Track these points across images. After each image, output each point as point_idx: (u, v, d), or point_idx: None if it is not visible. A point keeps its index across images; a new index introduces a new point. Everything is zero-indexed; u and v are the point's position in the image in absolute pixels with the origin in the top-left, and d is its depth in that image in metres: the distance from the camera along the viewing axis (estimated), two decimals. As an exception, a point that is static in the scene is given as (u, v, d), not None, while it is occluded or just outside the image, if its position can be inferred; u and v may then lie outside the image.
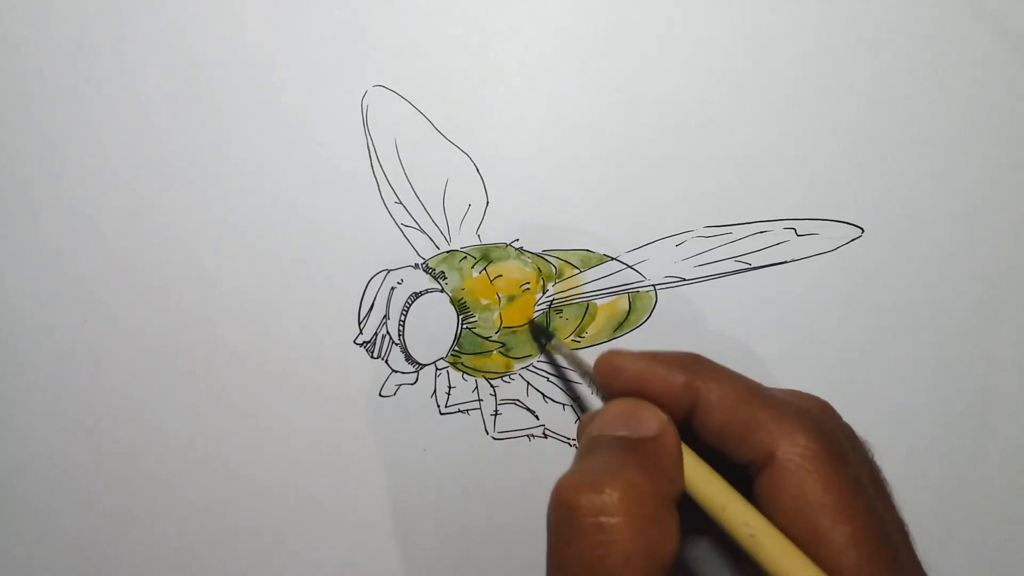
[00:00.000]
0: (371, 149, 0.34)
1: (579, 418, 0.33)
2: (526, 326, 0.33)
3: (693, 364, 0.24)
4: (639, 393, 0.24)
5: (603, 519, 0.20)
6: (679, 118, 0.34)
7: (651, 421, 0.23)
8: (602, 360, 0.26)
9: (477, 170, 0.34)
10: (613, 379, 0.25)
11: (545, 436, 0.34)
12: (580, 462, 0.23)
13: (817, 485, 0.21)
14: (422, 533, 0.33)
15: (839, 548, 0.21)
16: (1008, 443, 0.33)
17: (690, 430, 0.24)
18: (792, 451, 0.22)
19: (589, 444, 0.24)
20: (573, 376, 0.34)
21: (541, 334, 0.33)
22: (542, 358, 0.34)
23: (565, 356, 0.31)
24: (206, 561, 0.33)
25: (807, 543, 0.21)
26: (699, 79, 0.34)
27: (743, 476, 0.23)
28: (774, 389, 0.25)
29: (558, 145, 0.34)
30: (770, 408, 0.23)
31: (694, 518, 0.23)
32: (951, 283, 0.33)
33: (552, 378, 0.34)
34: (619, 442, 0.23)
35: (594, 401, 0.34)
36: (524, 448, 0.33)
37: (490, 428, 0.33)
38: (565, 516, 0.21)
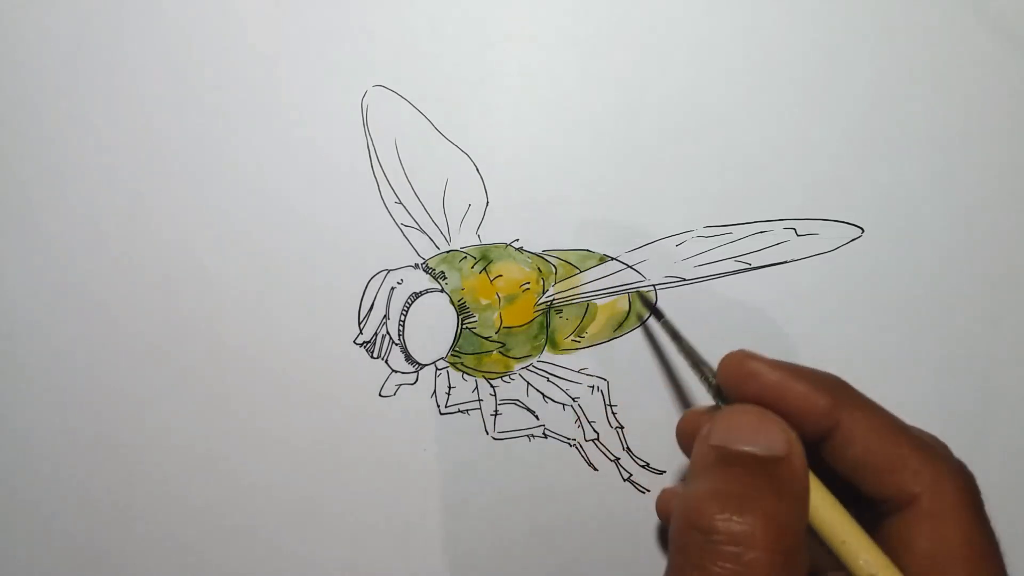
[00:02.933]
0: (371, 149, 0.34)
1: (578, 418, 0.33)
2: (526, 326, 0.33)
3: (839, 388, 0.23)
4: (771, 405, 0.23)
5: (742, 551, 0.19)
6: (679, 118, 0.34)
7: (781, 439, 0.22)
8: (732, 360, 0.24)
9: (477, 170, 0.34)
10: (744, 383, 0.24)
11: (545, 436, 0.34)
12: (711, 477, 0.22)
13: (960, 535, 0.21)
14: (422, 533, 0.33)
15: None
16: (1008, 443, 0.33)
17: (814, 455, 0.23)
18: (939, 498, 0.21)
19: (713, 456, 0.22)
20: (574, 377, 0.34)
21: (653, 312, 0.32)
22: (542, 358, 0.34)
23: (676, 340, 0.29)
24: (206, 561, 0.33)
25: None
26: (699, 79, 0.34)
27: (865, 512, 0.22)
28: (915, 428, 0.24)
29: (558, 145, 0.34)
30: (918, 450, 0.22)
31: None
32: (951, 283, 0.33)
33: (552, 378, 0.34)
34: (751, 460, 0.21)
35: (594, 403, 0.34)
36: (524, 448, 0.33)
37: (490, 428, 0.33)
38: (700, 539, 0.20)
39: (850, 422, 0.22)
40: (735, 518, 0.20)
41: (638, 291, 0.32)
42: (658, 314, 0.31)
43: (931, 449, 0.22)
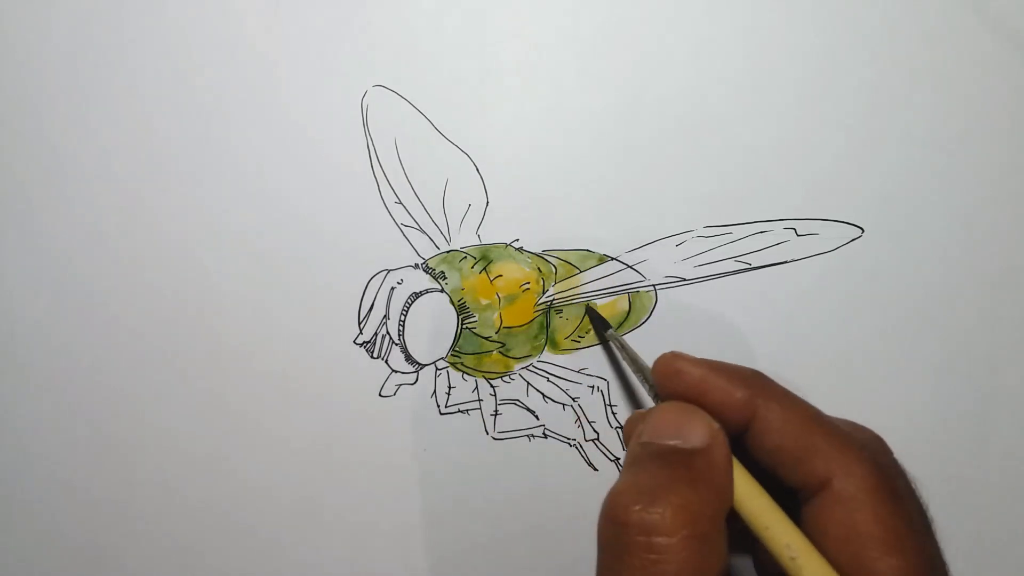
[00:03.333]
0: (371, 149, 0.34)
1: (578, 418, 0.33)
2: (526, 326, 0.33)
3: (755, 380, 0.24)
4: (696, 400, 0.24)
5: (654, 539, 0.20)
6: (679, 118, 0.34)
7: (703, 431, 0.23)
8: (662, 360, 0.25)
9: (477, 170, 0.34)
10: (671, 381, 0.25)
11: (545, 436, 0.34)
12: (631, 473, 0.23)
13: (870, 517, 0.21)
14: (422, 533, 0.33)
15: None
16: (1008, 443, 0.33)
17: (740, 446, 0.24)
18: (849, 482, 0.22)
19: (640, 452, 0.23)
20: (574, 377, 0.34)
21: (599, 323, 0.33)
22: (542, 358, 0.34)
23: (621, 349, 0.31)
24: (206, 561, 0.33)
25: (851, 573, 0.21)
26: (699, 79, 0.34)
27: (790, 499, 0.23)
28: (832, 417, 0.25)
29: (558, 145, 0.34)
30: (830, 436, 0.23)
31: (735, 533, 0.23)
32: (951, 283, 0.33)
33: (552, 378, 0.34)
34: (671, 453, 0.23)
35: (594, 403, 0.34)
36: (524, 448, 0.33)
37: (490, 428, 0.33)
38: (616, 532, 0.21)
39: (766, 412, 0.23)
40: (649, 509, 0.21)
41: (588, 305, 0.33)
42: (605, 326, 0.32)
43: (843, 436, 0.23)
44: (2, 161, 0.34)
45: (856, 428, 0.25)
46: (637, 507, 0.21)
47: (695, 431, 0.23)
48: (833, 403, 0.33)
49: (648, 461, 0.23)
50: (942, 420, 0.33)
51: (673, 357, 0.25)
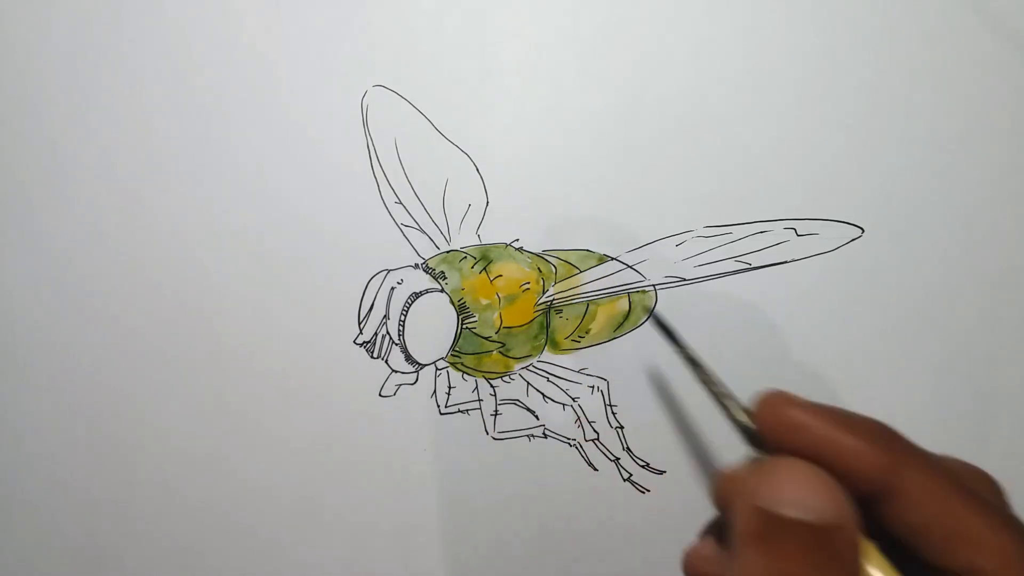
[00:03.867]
0: (371, 149, 0.34)
1: (578, 418, 0.33)
2: (526, 326, 0.33)
3: (889, 440, 0.21)
4: (819, 459, 0.20)
5: None
6: (679, 118, 0.34)
7: (833, 503, 0.19)
8: (771, 404, 0.22)
9: (477, 170, 0.34)
10: (788, 435, 0.21)
11: (545, 436, 0.34)
12: (762, 554, 0.19)
13: None
14: (422, 533, 0.33)
15: None
16: (1008, 443, 0.33)
17: (869, 512, 0.21)
18: (1007, 572, 0.19)
19: (763, 524, 0.20)
20: (574, 377, 0.34)
21: (668, 336, 0.29)
22: (542, 358, 0.34)
23: (700, 371, 0.26)
24: (206, 561, 0.33)
25: None
26: (699, 79, 0.34)
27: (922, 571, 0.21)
28: (972, 475, 0.22)
29: (558, 145, 0.34)
30: (979, 515, 0.20)
31: None
32: (951, 283, 0.33)
33: (552, 378, 0.34)
34: (803, 531, 0.19)
35: (594, 403, 0.34)
36: (524, 448, 0.33)
37: (490, 428, 0.33)
38: None
39: (906, 484, 0.20)
40: None
41: (653, 312, 0.31)
42: (693, 363, 0.27)
43: (995, 514, 0.20)
44: (2, 161, 0.34)
45: (1004, 507, 0.22)
46: None
47: (827, 501, 0.19)
48: (833, 403, 0.33)
49: (778, 539, 0.19)
50: (942, 420, 0.33)
51: (783, 402, 0.21)
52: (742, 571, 0.19)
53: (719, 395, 0.24)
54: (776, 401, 0.21)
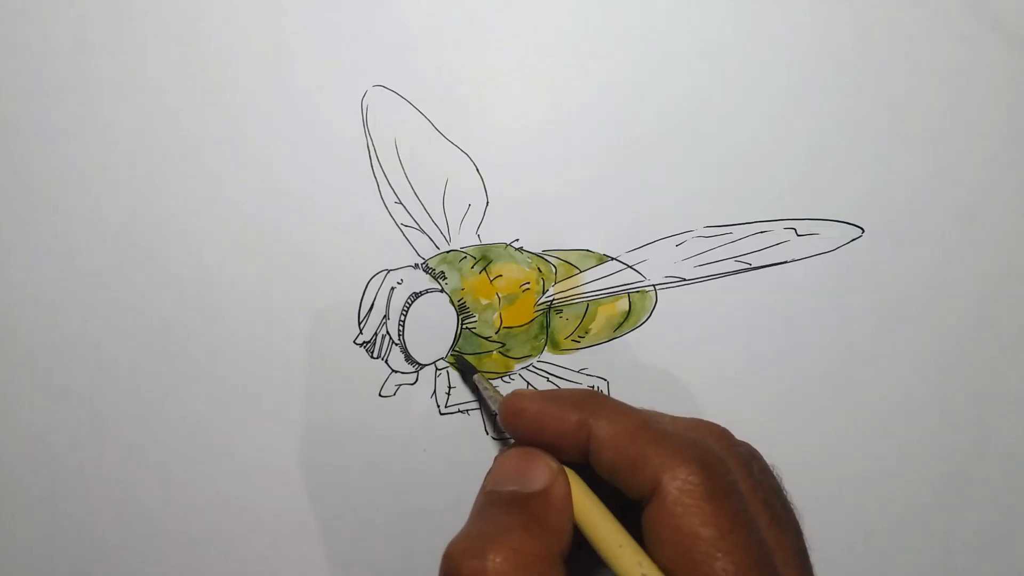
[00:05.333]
0: (371, 149, 0.34)
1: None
2: (526, 326, 0.33)
3: (587, 401, 0.24)
4: (538, 435, 0.24)
5: None
6: (679, 118, 0.34)
7: (541, 473, 0.23)
8: (506, 401, 0.26)
9: (477, 170, 0.34)
10: (516, 420, 0.25)
11: (545, 436, 0.34)
12: (471, 523, 0.23)
13: (695, 518, 0.21)
14: (422, 533, 0.33)
15: None
16: (1008, 443, 0.33)
17: (590, 468, 0.24)
18: (672, 485, 0.21)
19: (483, 501, 0.24)
20: (574, 377, 0.34)
21: (465, 368, 0.33)
22: (542, 358, 0.34)
23: (486, 391, 0.31)
24: (205, 561, 0.33)
25: None
26: (699, 79, 0.34)
27: (637, 513, 0.23)
28: (668, 419, 0.25)
29: (558, 145, 0.34)
30: (656, 442, 0.22)
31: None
32: (951, 283, 0.33)
33: (552, 378, 0.34)
34: (509, 499, 0.23)
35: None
36: (524, 448, 0.33)
37: (490, 428, 0.33)
38: None
39: (597, 430, 0.23)
40: (480, 560, 0.21)
41: (454, 353, 0.33)
42: (471, 370, 0.32)
43: (671, 438, 0.23)
44: (2, 160, 0.34)
45: (694, 426, 0.25)
46: (470, 557, 0.21)
47: (535, 474, 0.23)
48: (833, 403, 0.33)
49: (487, 509, 0.23)
50: (942, 420, 0.33)
51: (515, 396, 0.25)
52: (451, 540, 0.22)
53: (483, 400, 0.29)
54: (509, 397, 0.26)
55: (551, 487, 0.23)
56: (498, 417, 0.27)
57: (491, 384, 0.31)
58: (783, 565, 0.22)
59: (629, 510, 0.23)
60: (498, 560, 0.21)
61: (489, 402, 0.30)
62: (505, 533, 0.22)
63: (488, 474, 0.25)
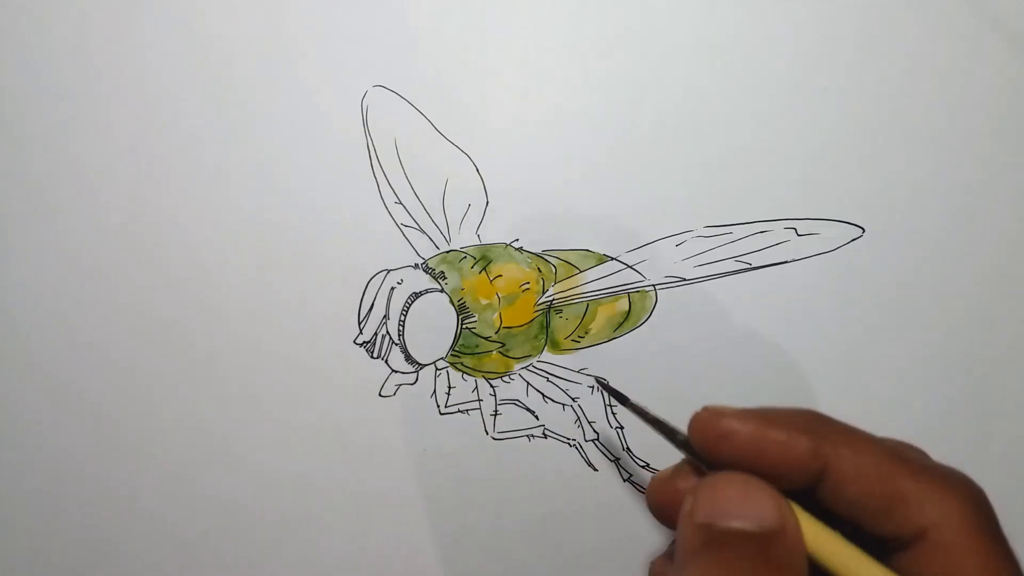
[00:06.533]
0: (371, 149, 0.34)
1: (578, 418, 0.33)
2: (526, 326, 0.33)
3: (816, 425, 0.21)
4: (752, 463, 0.21)
5: None
6: (679, 118, 0.34)
7: (771, 509, 0.20)
8: (702, 420, 0.22)
9: (477, 170, 0.34)
10: (720, 445, 0.21)
11: (545, 436, 0.34)
12: (701, 565, 0.20)
13: (974, 565, 0.19)
14: (422, 533, 0.33)
15: None
16: (1008, 443, 0.33)
17: (812, 497, 0.21)
18: (948, 528, 0.20)
19: (704, 538, 0.20)
20: (574, 377, 0.34)
21: (616, 398, 0.29)
22: (542, 358, 0.34)
23: (644, 417, 0.27)
24: (206, 560, 0.33)
25: None
26: (699, 79, 0.34)
27: (876, 550, 0.21)
28: (911, 448, 0.23)
29: (558, 145, 0.34)
30: (916, 480, 0.20)
31: None
32: (951, 283, 0.33)
33: (552, 378, 0.34)
34: (742, 539, 0.20)
35: (594, 403, 0.34)
36: (524, 448, 0.33)
37: (490, 428, 0.33)
38: None
39: (839, 463, 0.21)
40: None
41: (601, 382, 0.32)
42: (623, 399, 0.28)
43: (932, 475, 0.21)
44: (2, 161, 0.34)
45: (930, 460, 0.23)
46: None
47: (765, 509, 0.20)
48: (833, 403, 0.33)
49: (717, 550, 0.20)
50: (942, 420, 0.33)
51: (714, 415, 0.22)
52: None
53: (656, 420, 0.25)
54: (706, 416, 0.22)
55: (786, 527, 0.20)
56: (684, 438, 0.23)
57: (650, 412, 0.26)
58: None
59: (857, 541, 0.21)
60: None
61: (656, 425, 0.25)
62: None
63: (694, 502, 0.21)
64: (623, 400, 0.28)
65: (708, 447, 0.22)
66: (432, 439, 0.33)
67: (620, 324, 0.34)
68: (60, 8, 0.34)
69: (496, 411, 0.33)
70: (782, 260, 0.33)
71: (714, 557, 0.20)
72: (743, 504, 0.20)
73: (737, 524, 0.20)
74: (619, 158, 0.34)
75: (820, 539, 0.20)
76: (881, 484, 0.20)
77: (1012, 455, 0.33)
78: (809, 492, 0.21)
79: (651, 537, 0.33)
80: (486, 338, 0.33)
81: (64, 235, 0.34)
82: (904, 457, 0.21)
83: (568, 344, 0.34)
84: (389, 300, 0.33)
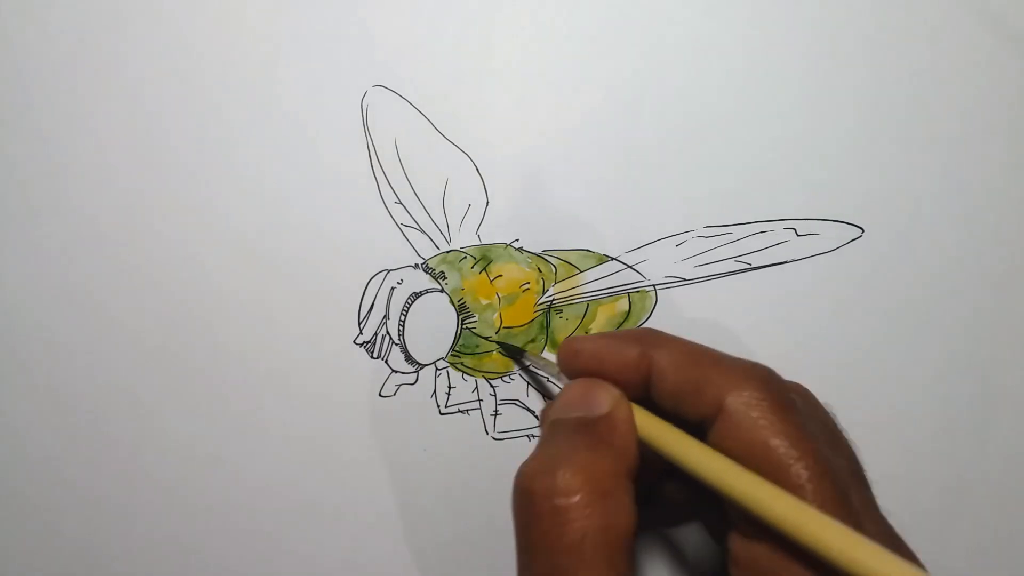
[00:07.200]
0: (371, 149, 0.34)
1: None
2: (526, 326, 0.33)
3: (645, 335, 0.26)
4: (598, 371, 0.26)
5: (558, 500, 0.21)
6: (679, 118, 0.34)
7: (604, 399, 0.25)
8: (563, 345, 0.27)
9: (477, 170, 0.34)
10: (573, 361, 0.26)
11: (545, 436, 0.34)
12: (539, 448, 0.24)
13: (764, 431, 0.22)
14: (422, 533, 0.33)
15: (789, 488, 0.21)
16: (1008, 443, 0.33)
17: (651, 399, 0.25)
18: (739, 400, 0.22)
19: (549, 429, 0.25)
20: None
21: (513, 353, 0.33)
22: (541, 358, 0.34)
23: (536, 364, 0.32)
24: (205, 561, 0.33)
25: None
26: (699, 79, 0.34)
27: (697, 433, 0.24)
28: (719, 352, 0.25)
29: (558, 145, 0.34)
30: (718, 365, 0.24)
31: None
32: (951, 283, 0.33)
33: (552, 378, 0.34)
34: (575, 423, 0.24)
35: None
36: (524, 448, 0.33)
37: (490, 428, 0.33)
38: (524, 500, 0.22)
39: (659, 358, 0.25)
40: (550, 477, 0.22)
41: (500, 343, 0.33)
42: (519, 352, 0.33)
43: (733, 362, 0.24)
44: (2, 161, 0.34)
45: (741, 359, 0.26)
46: (541, 475, 0.22)
47: (598, 400, 0.24)
48: (833, 403, 0.33)
49: (555, 435, 0.24)
50: (942, 420, 0.33)
51: (571, 340, 0.27)
52: (525, 462, 0.23)
53: (544, 362, 0.30)
54: (566, 342, 0.27)
55: (615, 410, 0.24)
56: (557, 363, 0.27)
57: (541, 357, 0.32)
58: (847, 476, 0.23)
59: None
60: (567, 476, 0.22)
61: (542, 372, 0.31)
62: (573, 453, 0.23)
63: (551, 406, 0.26)
64: (519, 354, 0.33)
65: (566, 366, 0.27)
66: (432, 439, 0.33)
67: (620, 324, 0.34)
68: (59, 8, 0.34)
69: (496, 411, 0.34)
70: (782, 260, 0.33)
71: (552, 438, 0.24)
72: (582, 399, 0.25)
73: (575, 413, 0.25)
74: (619, 158, 0.34)
75: (649, 425, 0.24)
76: (688, 371, 0.24)
77: (1012, 455, 0.33)
78: (649, 399, 0.25)
79: (651, 537, 0.33)
80: (486, 338, 0.33)
81: (62, 237, 0.34)
82: (707, 350, 0.25)
83: (568, 344, 0.34)
84: (389, 300, 0.33)
